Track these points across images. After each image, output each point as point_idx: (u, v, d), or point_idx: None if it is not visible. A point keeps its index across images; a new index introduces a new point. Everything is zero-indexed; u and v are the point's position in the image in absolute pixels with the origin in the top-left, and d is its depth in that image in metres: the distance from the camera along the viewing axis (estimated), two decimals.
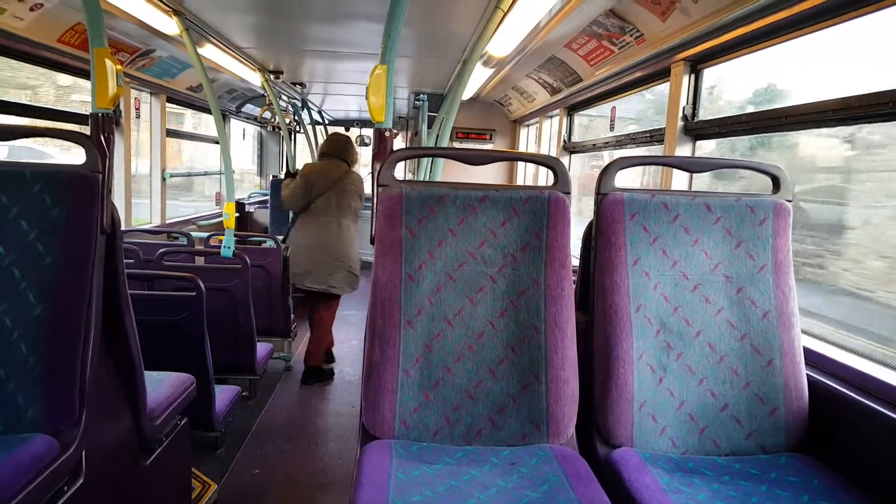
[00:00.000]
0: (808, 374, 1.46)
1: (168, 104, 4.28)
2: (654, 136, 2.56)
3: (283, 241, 3.84)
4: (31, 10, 2.38)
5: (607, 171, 1.52)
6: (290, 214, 3.90)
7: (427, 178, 2.64)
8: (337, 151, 3.69)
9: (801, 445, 1.42)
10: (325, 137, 5.74)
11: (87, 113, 1.64)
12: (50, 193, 1.34)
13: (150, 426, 1.67)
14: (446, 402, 1.39)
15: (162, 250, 2.91)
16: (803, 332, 1.51)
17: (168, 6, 2.62)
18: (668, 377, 1.44)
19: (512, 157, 3.61)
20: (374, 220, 1.45)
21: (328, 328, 3.85)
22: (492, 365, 1.40)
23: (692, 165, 1.61)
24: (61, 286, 1.31)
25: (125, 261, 1.53)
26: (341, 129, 8.39)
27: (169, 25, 2.78)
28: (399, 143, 7.55)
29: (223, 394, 2.61)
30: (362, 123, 8.01)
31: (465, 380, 1.39)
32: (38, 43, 2.58)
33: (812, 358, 1.52)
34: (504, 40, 2.84)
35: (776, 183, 1.54)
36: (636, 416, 1.40)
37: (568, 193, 1.46)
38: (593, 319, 1.49)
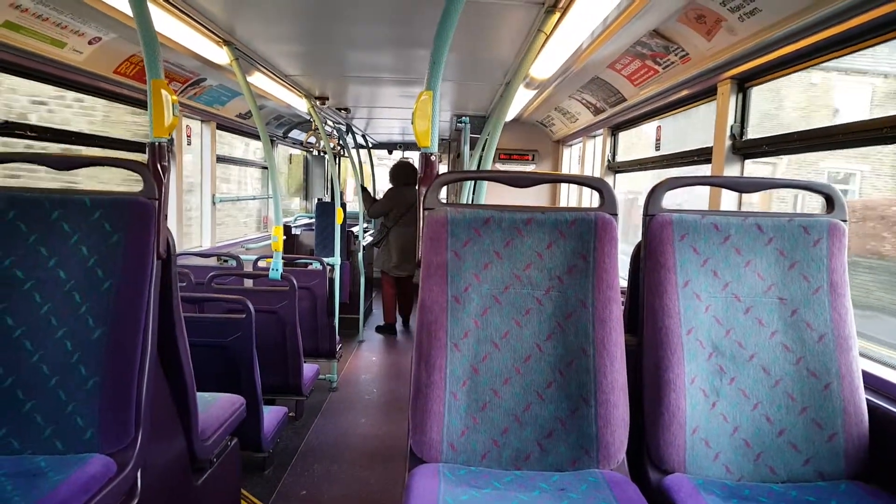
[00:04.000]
0: (867, 399, 1.39)
1: (218, 130, 4.44)
2: (702, 156, 2.51)
3: (377, 244, 5.64)
4: (90, 43, 2.52)
5: (655, 192, 1.50)
6: (375, 223, 5.97)
7: (470, 201, 2.66)
8: (406, 178, 5.45)
9: (861, 473, 1.35)
10: (368, 160, 5.92)
11: (143, 141, 1.72)
12: (109, 220, 1.41)
13: (202, 446, 1.71)
14: (494, 426, 1.38)
15: (212, 273, 3.01)
16: (861, 355, 1.45)
17: (219, 37, 2.75)
18: (722, 401, 1.39)
19: (557, 179, 3.59)
20: (420, 243, 1.46)
21: (407, 301, 5.79)
22: (539, 388, 1.39)
23: (742, 185, 1.57)
24: (119, 310, 1.37)
25: (178, 284, 1.59)
26: (384, 153, 8.56)
27: (219, 55, 2.91)
28: (441, 165, 7.64)
29: (271, 415, 2.66)
30: (405, 146, 8.14)
31: (512, 403, 1.38)
32: (96, 74, 2.71)
33: (871, 382, 1.46)
34: (546, 63, 2.85)
35: (830, 202, 1.49)
36: (689, 441, 1.36)
37: (615, 215, 1.44)
38: (643, 342, 1.46)
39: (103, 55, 2.65)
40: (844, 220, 1.47)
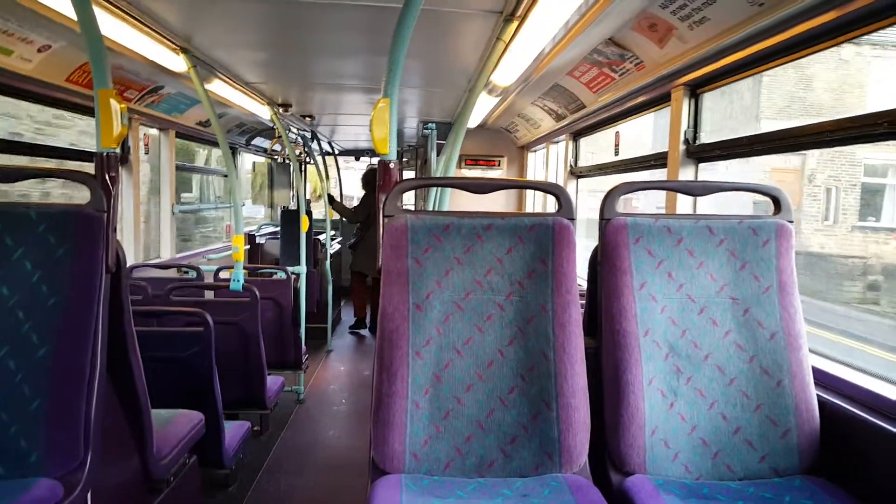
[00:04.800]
0: (818, 395, 1.44)
1: (177, 139, 4.33)
2: (659, 160, 2.58)
3: (351, 246, 5.90)
4: (39, 51, 2.43)
5: (610, 196, 1.53)
6: (355, 229, 5.94)
7: (436, 206, 2.66)
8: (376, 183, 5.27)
9: (814, 467, 1.39)
10: (335, 167, 5.92)
11: (92, 151, 1.67)
12: (54, 234, 1.36)
13: (158, 466, 1.66)
14: (457, 434, 1.37)
15: (170, 286, 2.93)
16: (811, 351, 1.50)
17: (175, 44, 2.68)
18: (679, 402, 1.42)
19: (515, 185, 3.66)
20: (381, 251, 1.46)
21: (377, 302, 5.32)
22: (502, 394, 1.39)
23: (694, 189, 1.62)
24: (65, 327, 1.32)
25: (133, 297, 1.54)
26: (351, 160, 8.51)
27: (177, 63, 2.83)
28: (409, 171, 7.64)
29: (233, 430, 2.59)
30: (372, 153, 8.11)
31: (475, 410, 1.38)
32: (47, 83, 2.62)
33: (822, 378, 1.50)
34: (507, 70, 2.89)
35: (777, 204, 1.54)
36: (648, 442, 1.38)
37: (573, 219, 1.46)
38: (602, 345, 1.48)
39: (54, 63, 2.56)
40: (791, 221, 1.52)
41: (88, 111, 3.09)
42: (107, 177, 1.49)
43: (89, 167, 1.62)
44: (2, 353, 1.30)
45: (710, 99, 2.30)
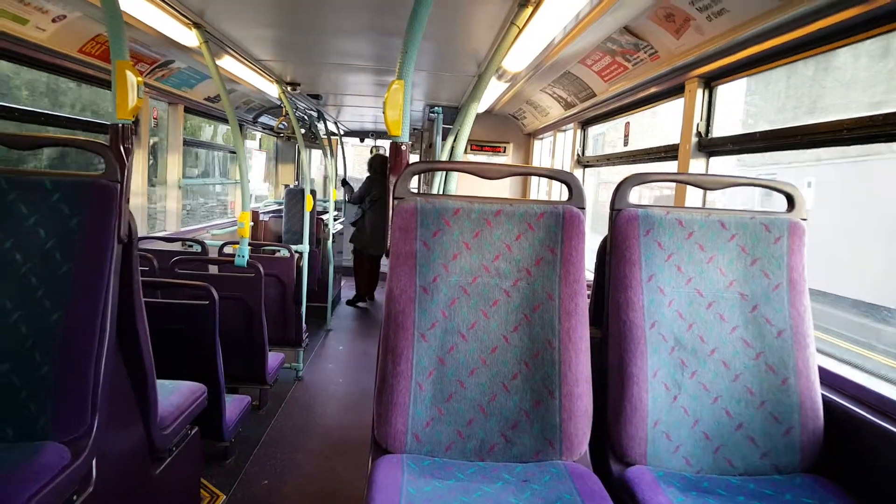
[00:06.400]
0: (823, 395, 1.44)
1: (185, 114, 4.34)
2: (669, 152, 2.56)
3: (354, 223, 6.24)
4: (54, 21, 2.43)
5: (621, 188, 1.52)
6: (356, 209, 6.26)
7: (441, 191, 2.65)
8: (382, 168, 6.15)
9: (815, 466, 1.40)
10: (339, 147, 5.97)
11: (107, 123, 1.68)
12: (68, 203, 1.36)
13: (161, 435, 1.67)
14: (459, 417, 1.39)
15: (176, 258, 2.94)
16: (818, 351, 1.50)
17: (188, 19, 2.67)
18: (683, 395, 1.43)
19: (526, 172, 3.62)
20: (390, 232, 1.46)
21: (376, 278, 6.52)
22: (505, 380, 1.40)
23: (707, 183, 1.61)
24: (77, 294, 1.33)
25: (140, 268, 1.55)
26: (356, 140, 8.48)
27: (188, 38, 2.83)
28: (413, 154, 7.62)
29: (233, 404, 2.62)
30: (377, 135, 8.08)
31: (478, 394, 1.39)
32: (60, 53, 2.62)
33: (827, 378, 1.51)
34: (519, 56, 2.86)
35: (791, 201, 1.54)
36: (650, 433, 1.40)
37: (583, 208, 1.46)
38: (607, 335, 1.49)
39: (68, 33, 2.55)
40: (804, 219, 1.52)
41: (100, 82, 3.08)
42: (121, 148, 1.49)
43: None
44: (14, 318, 1.31)
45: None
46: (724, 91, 2.24)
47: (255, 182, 7.38)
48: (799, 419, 1.41)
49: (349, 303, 6.46)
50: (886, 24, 1.48)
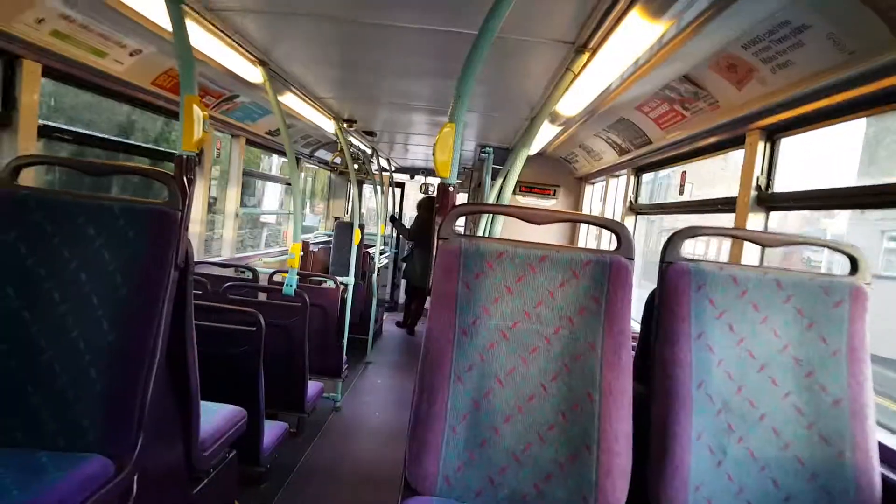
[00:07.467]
0: (882, 473, 1.33)
1: (246, 146, 4.53)
2: (726, 205, 2.48)
3: (404, 259, 6.94)
4: (131, 55, 2.60)
5: (673, 240, 1.47)
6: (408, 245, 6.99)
7: (487, 232, 2.64)
8: (429, 206, 6.56)
9: None
10: (390, 183, 6.18)
11: (174, 152, 1.76)
12: (133, 228, 1.43)
13: (201, 456, 1.70)
14: (492, 464, 1.34)
15: (228, 284, 3.02)
16: (879, 425, 1.39)
17: (255, 57, 2.82)
18: (728, 460, 1.35)
19: (574, 219, 3.57)
20: (433, 272, 1.45)
21: (420, 310, 6.97)
22: (541, 430, 1.35)
23: (764, 240, 1.54)
24: (134, 316, 1.39)
25: (194, 291, 1.60)
26: (407, 177, 8.66)
27: (254, 74, 2.98)
28: (461, 194, 7.70)
29: (271, 429, 2.63)
30: (427, 172, 8.22)
31: (512, 442, 1.35)
32: (135, 85, 2.79)
33: (888, 455, 1.40)
34: (573, 101, 2.86)
35: (854, 264, 1.45)
36: (691, 498, 1.32)
37: (631, 259, 1.42)
38: (651, 392, 1.42)
39: (142, 67, 2.73)
40: (868, 284, 1.43)
41: (169, 113, 3.27)
42: (185, 178, 1.56)
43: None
44: (74, 335, 1.37)
45: None
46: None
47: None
48: (854, 497, 1.30)
49: (398, 324, 7.18)
50: None
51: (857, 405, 1.35)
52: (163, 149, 3.55)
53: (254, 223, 6.87)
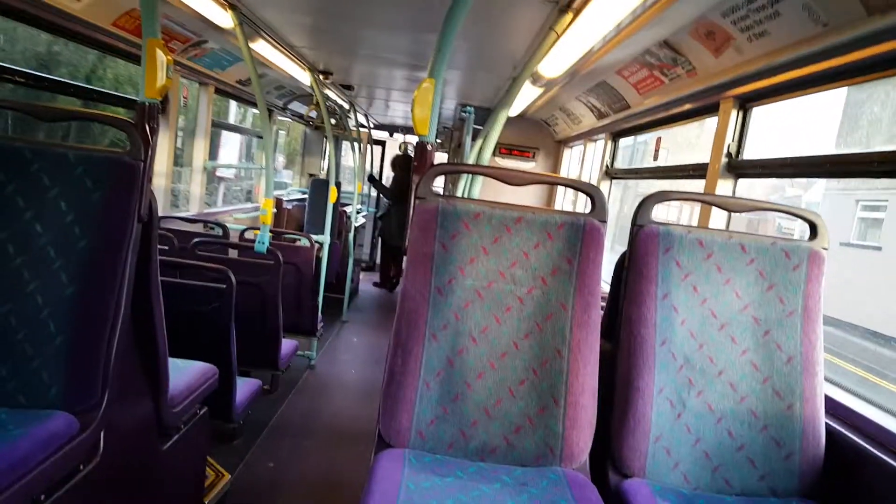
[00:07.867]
0: (826, 423, 1.43)
1: (215, 95, 4.35)
2: (698, 171, 2.53)
3: (380, 217, 6.74)
4: None
5: (645, 204, 1.50)
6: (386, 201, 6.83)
7: (466, 193, 2.64)
8: (404, 166, 6.56)
9: (812, 492, 1.40)
10: (368, 141, 6.04)
11: (136, 98, 1.67)
12: (91, 177, 1.37)
13: (170, 412, 1.69)
14: (464, 418, 1.40)
15: (196, 240, 2.97)
16: (826, 380, 1.48)
17: (225, 0, 2.68)
18: (687, 413, 1.42)
19: (551, 182, 3.59)
20: (409, 231, 1.46)
21: (399, 269, 6.77)
22: (512, 385, 1.40)
23: (730, 205, 1.58)
24: (94, 269, 1.34)
25: (160, 247, 1.55)
26: (385, 134, 8.51)
27: (224, 18, 2.83)
28: (441, 154, 7.62)
29: (244, 386, 2.64)
30: (406, 130, 8.09)
31: (484, 397, 1.40)
32: (93, 25, 2.61)
33: (833, 407, 1.50)
34: (555, 62, 2.84)
35: (814, 229, 1.51)
36: (651, 448, 1.39)
37: (604, 222, 1.45)
38: (617, 349, 1.48)
39: (102, 5, 2.55)
40: (825, 248, 1.50)
41: (132, 57, 3.11)
42: (147, 126, 1.50)
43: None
44: (31, 288, 1.32)
45: None
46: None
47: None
48: (800, 445, 1.40)
49: (375, 284, 7.09)
50: None
51: (808, 362, 1.44)
52: (126, 95, 3.40)
53: (209, 178, 6.68)
